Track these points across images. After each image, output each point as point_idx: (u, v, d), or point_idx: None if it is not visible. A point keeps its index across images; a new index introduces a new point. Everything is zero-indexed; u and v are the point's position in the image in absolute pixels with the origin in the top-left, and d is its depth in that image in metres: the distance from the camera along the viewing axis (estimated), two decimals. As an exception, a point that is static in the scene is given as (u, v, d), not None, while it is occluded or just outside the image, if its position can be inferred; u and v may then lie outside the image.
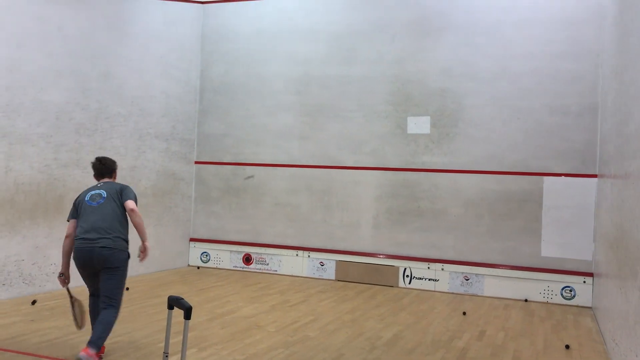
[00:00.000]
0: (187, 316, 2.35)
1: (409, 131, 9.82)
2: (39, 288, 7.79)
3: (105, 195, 5.22)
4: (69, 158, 8.29)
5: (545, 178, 9.02)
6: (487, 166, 9.36)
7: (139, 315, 6.87)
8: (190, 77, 11.05)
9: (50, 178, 8.01)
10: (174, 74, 10.61)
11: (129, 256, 5.11)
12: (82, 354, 4.51)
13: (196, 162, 11.25)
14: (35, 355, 5.16)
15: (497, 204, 9.28)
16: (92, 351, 4.55)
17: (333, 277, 10.08)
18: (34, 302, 7.15)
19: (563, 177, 8.93)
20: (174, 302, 2.43)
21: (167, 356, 2.51)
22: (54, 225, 8.03)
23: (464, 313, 7.78)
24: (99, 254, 4.90)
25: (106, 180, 5.53)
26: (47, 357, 5.13)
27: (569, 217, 8.84)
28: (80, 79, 8.52)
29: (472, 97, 9.49)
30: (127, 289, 8.26)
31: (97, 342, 4.65)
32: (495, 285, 9.13)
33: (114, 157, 9.04)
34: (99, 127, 8.86)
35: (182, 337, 2.39)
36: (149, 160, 9.88)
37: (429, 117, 9.71)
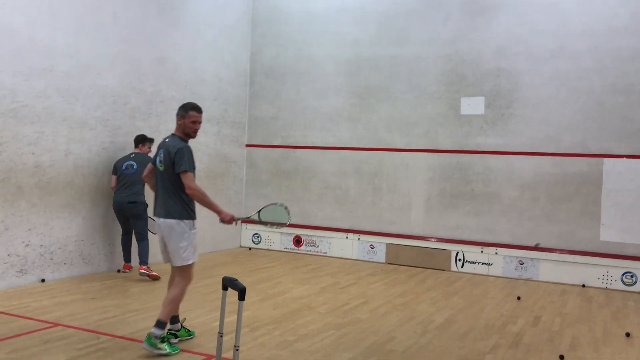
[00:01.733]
0: (242, 297, 2.36)
1: (463, 112, 9.61)
2: (97, 267, 8.05)
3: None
4: (125, 141, 8.49)
5: (606, 160, 8.68)
6: (543, 148, 9.07)
7: (193, 294, 7.01)
8: (240, 60, 11.12)
9: (107, 160, 8.23)
10: (225, 58, 10.69)
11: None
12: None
13: (247, 145, 11.35)
14: (96, 332, 5.34)
15: (554, 187, 8.99)
16: None
17: (383, 260, 10.04)
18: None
19: (625, 158, 8.57)
20: (228, 283, 2.45)
21: (221, 336, 2.53)
22: (112, 208, 8.27)
23: (519, 298, 7.61)
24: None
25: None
26: (106, 334, 5.30)
27: (630, 201, 8.49)
28: (134, 64, 8.69)
29: (528, 77, 9.19)
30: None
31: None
32: (551, 270, 8.89)
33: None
34: (153, 110, 9.04)
35: (235, 317, 2.42)
36: (202, 143, 10.02)
37: (483, 98, 9.47)
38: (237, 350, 2.39)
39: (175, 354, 4.79)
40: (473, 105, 9.53)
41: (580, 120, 8.85)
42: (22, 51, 7.04)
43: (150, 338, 4.72)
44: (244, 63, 11.21)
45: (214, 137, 10.41)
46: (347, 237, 10.38)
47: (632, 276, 8.42)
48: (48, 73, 7.35)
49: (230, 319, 5.53)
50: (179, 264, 4.99)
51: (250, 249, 11.08)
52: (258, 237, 11.12)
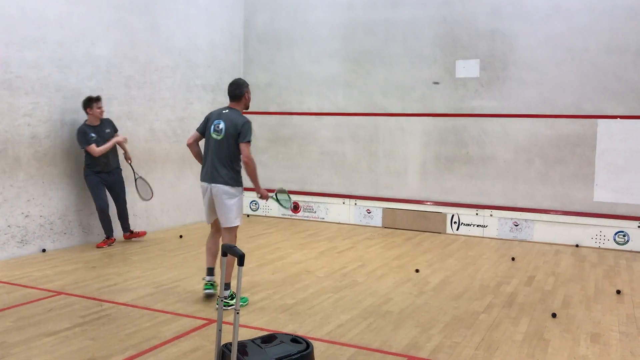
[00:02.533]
0: (241, 263, 2.44)
1: (458, 75, 9.59)
2: (97, 237, 8.14)
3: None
4: (121, 111, 8.48)
5: (600, 121, 8.72)
6: (538, 110, 9.10)
7: (192, 261, 7.13)
8: (234, 26, 11.02)
9: (103, 131, 8.24)
10: (219, 23, 10.59)
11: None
12: None
13: (243, 113, 11.30)
14: (98, 300, 5.45)
15: (549, 149, 9.05)
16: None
17: (380, 225, 10.15)
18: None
19: (619, 119, 8.61)
20: (227, 250, 2.52)
21: (222, 300, 2.62)
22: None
23: (513, 259, 7.75)
24: None
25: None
26: (109, 301, 5.41)
27: (623, 161, 8.57)
28: (128, 32, 8.61)
29: (523, 39, 9.14)
30: (181, 236, 8.57)
31: None
32: (546, 230, 9.02)
33: (163, 109, 9.28)
34: (147, 79, 9.00)
35: (235, 282, 2.49)
36: (197, 111, 10.01)
37: (478, 60, 9.44)
38: (238, 313, 2.48)
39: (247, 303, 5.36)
40: (468, 68, 9.51)
41: (575, 82, 8.85)
42: (13, 21, 6.97)
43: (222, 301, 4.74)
44: (237, 29, 11.11)
45: (209, 105, 10.38)
46: (344, 203, 10.47)
47: (624, 235, 8.55)
48: (41, 43, 7.30)
49: (230, 283, 5.63)
50: (229, 225, 5.43)
51: (248, 215, 11.17)
52: (256, 204, 11.21)
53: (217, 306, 2.65)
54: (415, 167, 9.99)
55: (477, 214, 9.46)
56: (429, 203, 9.84)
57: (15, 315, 4.92)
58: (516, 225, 9.20)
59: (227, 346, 2.55)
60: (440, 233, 9.64)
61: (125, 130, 8.53)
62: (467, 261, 7.61)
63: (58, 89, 7.56)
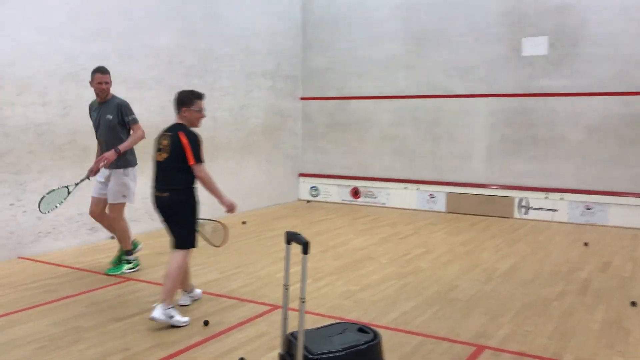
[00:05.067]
0: (305, 251, 2.37)
1: (524, 53, 9.19)
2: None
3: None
4: (182, 100, 8.58)
5: (681, 97, 8.16)
6: (612, 87, 8.61)
7: (255, 247, 7.17)
8: (292, 11, 10.96)
9: (167, 119, 8.33)
10: (277, 9, 10.56)
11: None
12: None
13: (301, 99, 11.30)
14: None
15: (624, 128, 8.56)
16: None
17: (444, 209, 9.92)
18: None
19: (703, 94, 8.03)
20: (291, 238, 2.46)
21: (287, 288, 2.56)
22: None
23: (586, 244, 7.39)
24: None
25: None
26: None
27: None
28: (187, 22, 8.69)
29: (596, 12, 8.65)
30: (244, 222, 8.64)
31: None
32: (621, 214, 8.56)
33: (224, 97, 9.34)
34: (208, 68, 9.08)
35: (298, 268, 2.44)
36: (256, 98, 10.05)
37: (546, 37, 9.00)
38: (303, 302, 2.41)
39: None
40: (536, 46, 9.09)
41: (653, 56, 8.32)
42: (78, 15, 7.14)
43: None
44: (296, 14, 11.05)
45: (268, 92, 10.41)
46: (405, 188, 10.29)
47: None
48: (104, 35, 7.46)
49: (293, 270, 5.63)
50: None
51: (308, 201, 11.17)
52: (316, 190, 11.18)
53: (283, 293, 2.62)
54: (480, 150, 9.68)
55: (546, 197, 9.09)
56: (495, 187, 9.53)
57: (87, 300, 5.07)
58: (588, 209, 8.78)
59: (294, 334, 2.50)
60: (507, 218, 9.33)
61: (187, 118, 8.64)
62: (536, 246, 7.31)
63: (122, 79, 7.71)
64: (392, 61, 10.35)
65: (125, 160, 6.03)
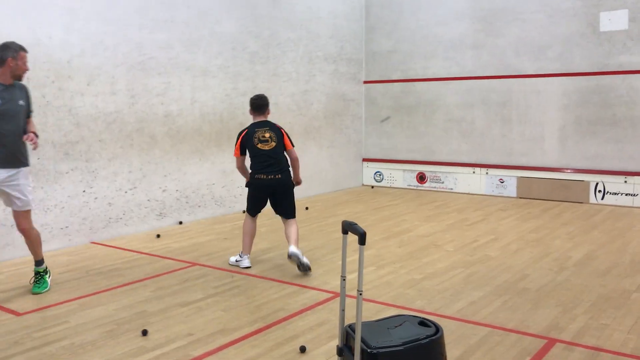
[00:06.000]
0: (362, 241, 2.28)
1: (602, 29, 8.65)
2: (229, 209, 8.43)
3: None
4: (246, 87, 8.64)
5: None
6: (701, 62, 7.98)
7: (318, 233, 7.13)
8: (355, -6, 10.78)
9: (231, 107, 8.46)
10: (339, -8, 10.41)
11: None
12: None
13: (365, 82, 11.13)
14: (230, 271, 5.60)
15: None
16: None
17: (514, 195, 9.56)
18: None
19: None
20: (348, 228, 2.37)
21: (344, 279, 2.48)
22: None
23: (670, 231, 6.92)
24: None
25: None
26: (239, 272, 5.54)
27: None
28: (250, 9, 8.70)
29: (682, -19, 8.02)
30: (307, 208, 8.63)
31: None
32: None
33: (287, 83, 9.33)
34: (271, 54, 9.07)
35: (357, 258, 2.37)
36: (319, 83, 9.97)
37: (626, 11, 8.42)
38: (361, 294, 2.33)
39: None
40: (615, 20, 8.52)
41: None
42: (145, 4, 7.27)
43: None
44: (358, -4, 10.86)
45: (330, 76, 10.30)
46: (474, 172, 9.97)
47: None
48: (170, 24, 7.57)
49: (352, 258, 5.56)
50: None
51: (372, 187, 11.03)
52: (380, 175, 11.03)
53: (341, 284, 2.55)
54: (553, 132, 9.23)
55: (625, 181, 8.57)
56: (569, 171, 9.07)
57: (154, 285, 5.19)
58: (673, 194, 8.21)
59: (351, 327, 2.42)
60: (582, 203, 8.87)
61: (251, 105, 8.69)
62: (614, 234, 6.91)
63: (187, 68, 7.83)
64: (459, 41, 10.01)
65: (27, 157, 4.92)
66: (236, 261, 5.76)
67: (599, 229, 7.20)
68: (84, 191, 6.69)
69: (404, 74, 10.68)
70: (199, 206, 8.09)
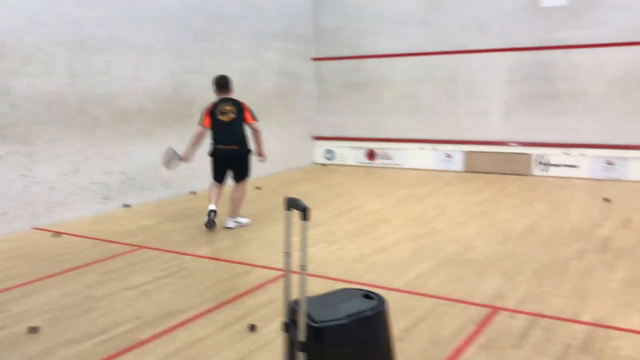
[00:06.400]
0: (305, 217, 2.27)
1: (543, 4, 8.83)
2: (177, 191, 8.29)
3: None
4: (192, 64, 8.46)
5: None
6: (635, 36, 8.26)
7: (269, 212, 7.10)
8: (301, -31, 10.65)
9: (177, 85, 8.27)
10: (285, -32, 10.26)
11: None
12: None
13: (314, 59, 11.07)
14: (178, 253, 5.53)
15: (648, 79, 8.24)
16: None
17: (461, 169, 9.75)
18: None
19: None
20: (291, 204, 2.36)
21: (288, 255, 2.48)
22: (185, 132, 8.37)
23: (607, 200, 7.20)
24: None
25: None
26: (188, 254, 5.48)
27: None
28: (193, -17, 8.48)
29: (617, -43, 8.25)
30: (259, 188, 8.58)
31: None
32: (644, 169, 8.32)
33: (233, 60, 9.17)
34: (217, 30, 8.89)
35: (311, 234, 2.36)
36: (268, 60, 9.86)
37: (565, -14, 8.63)
38: (304, 269, 2.33)
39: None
40: (554, -4, 8.72)
41: (680, 2, 7.93)
42: (81, -20, 6.99)
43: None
44: (305, -28, 10.74)
45: (279, 53, 10.20)
46: (422, 148, 10.11)
47: None
48: (108, 0, 7.30)
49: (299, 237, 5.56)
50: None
51: (324, 165, 11.06)
52: (331, 153, 11.05)
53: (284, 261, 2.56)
54: (498, 107, 9.43)
55: (566, 153, 8.86)
56: (513, 144, 9.31)
57: (100, 269, 5.07)
58: (610, 164, 8.55)
59: (297, 302, 2.42)
60: (525, 175, 9.14)
61: (197, 84, 8.53)
62: (556, 204, 7.15)
63: (129, 45, 7.59)
64: (406, 17, 10.05)
65: None
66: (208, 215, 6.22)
67: (541, 200, 7.43)
68: (23, 175, 6.44)
69: (353, 51, 10.67)
70: (146, 188, 7.92)
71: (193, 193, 8.42)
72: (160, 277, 4.84)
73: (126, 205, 7.60)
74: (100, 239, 6.07)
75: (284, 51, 10.29)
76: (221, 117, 6.21)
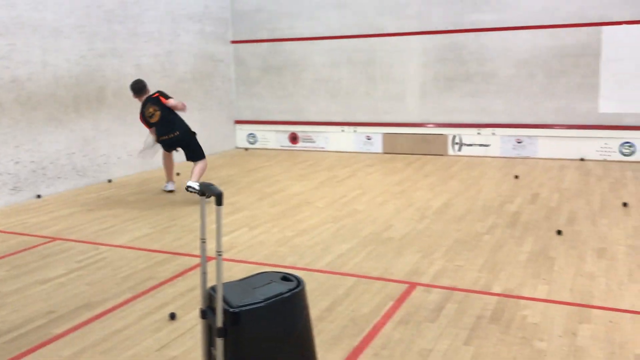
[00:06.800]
0: (219, 202, 2.26)
1: (454, -12, 9.10)
2: (93, 179, 8.00)
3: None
4: (105, 47, 8.13)
5: (604, 28, 8.32)
6: (539, 20, 8.69)
7: (190, 198, 7.00)
8: (217, -50, 10.43)
9: (88, 69, 7.94)
10: (200, -52, 10.01)
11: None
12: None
13: (232, 42, 10.92)
14: (94, 243, 5.36)
15: (551, 61, 8.71)
16: None
17: (381, 150, 9.96)
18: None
19: (624, 25, 8.20)
20: (205, 189, 2.34)
21: (204, 242, 2.46)
22: (99, 118, 8.09)
23: (516, 177, 7.59)
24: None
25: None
26: (105, 244, 5.32)
27: (631, 69, 8.24)
28: (102, -37, 8.13)
29: (523, -56, 8.60)
30: (178, 174, 8.41)
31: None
32: (550, 146, 8.82)
33: (148, 43, 8.90)
34: (129, 12, 8.57)
35: (229, 220, 2.34)
36: (185, 43, 9.63)
37: (474, -29, 8.93)
38: (220, 255, 2.33)
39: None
40: (465, -20, 9.01)
41: (579, -12, 8.39)
42: (-23, -43, 6.55)
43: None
44: (220, -47, 10.52)
45: (197, 36, 9.98)
46: (342, 130, 10.24)
47: (630, 146, 8.35)
48: (10, -21, 6.88)
49: (229, 220, 5.52)
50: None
51: (246, 149, 10.99)
52: (253, 136, 10.99)
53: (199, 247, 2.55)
54: (414, 89, 9.68)
55: (479, 133, 9.24)
56: (430, 125, 9.60)
57: (9, 264, 4.84)
58: (519, 143, 8.99)
59: (214, 288, 2.42)
60: (442, 155, 9.46)
61: (111, 68, 8.22)
62: (469, 182, 7.46)
63: (34, 28, 7.20)
64: (323, 0, 10.07)
65: None
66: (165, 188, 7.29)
67: (456, 178, 7.73)
68: None
69: (271, 33, 10.60)
70: (59, 177, 7.60)
71: (110, 181, 8.15)
72: (75, 269, 4.68)
73: (38, 196, 7.26)
74: (10, 232, 5.78)
75: (201, 33, 10.08)
76: (151, 120, 6.88)
